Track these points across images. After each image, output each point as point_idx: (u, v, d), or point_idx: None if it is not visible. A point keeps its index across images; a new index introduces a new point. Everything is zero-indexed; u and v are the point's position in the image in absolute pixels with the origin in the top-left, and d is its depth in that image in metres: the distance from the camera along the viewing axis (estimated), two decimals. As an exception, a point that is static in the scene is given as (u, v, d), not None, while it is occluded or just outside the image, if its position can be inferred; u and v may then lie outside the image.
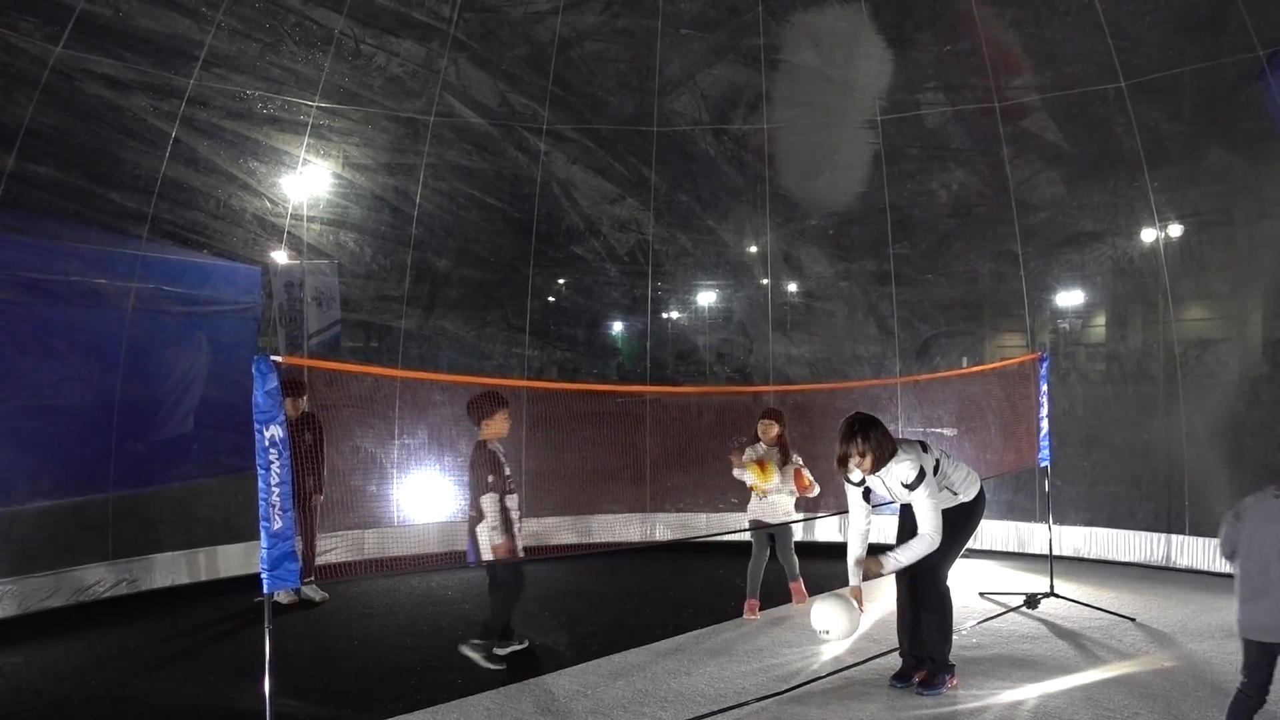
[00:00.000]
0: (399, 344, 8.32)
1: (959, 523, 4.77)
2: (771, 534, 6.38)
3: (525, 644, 5.50)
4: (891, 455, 4.58)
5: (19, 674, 5.21)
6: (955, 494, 4.79)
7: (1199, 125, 7.32)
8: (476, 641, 5.21)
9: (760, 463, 6.16)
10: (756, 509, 6.36)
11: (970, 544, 7.97)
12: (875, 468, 4.58)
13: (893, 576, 4.88)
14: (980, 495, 4.90)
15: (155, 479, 6.99)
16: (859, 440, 4.53)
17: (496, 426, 5.27)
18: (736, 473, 6.35)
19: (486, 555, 5.11)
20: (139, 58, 6.79)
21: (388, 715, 4.50)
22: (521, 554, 5.27)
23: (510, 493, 5.24)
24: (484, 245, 8.67)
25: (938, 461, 4.72)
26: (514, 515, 5.23)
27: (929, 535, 4.55)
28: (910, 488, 4.58)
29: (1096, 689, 4.72)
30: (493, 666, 5.13)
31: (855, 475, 4.73)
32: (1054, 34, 7.66)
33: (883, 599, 6.36)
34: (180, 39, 6.95)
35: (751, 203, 8.87)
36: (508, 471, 5.25)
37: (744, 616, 6.24)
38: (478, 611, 6.44)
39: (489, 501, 5.09)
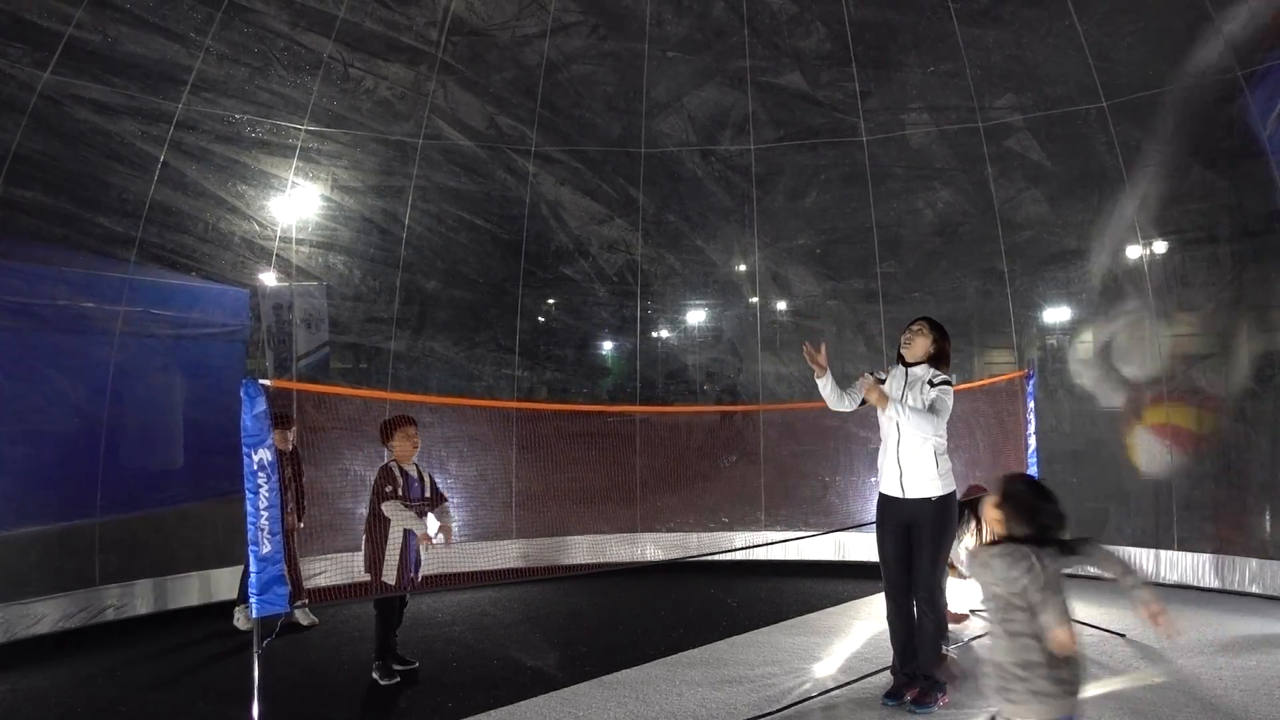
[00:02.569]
0: (388, 366, 8.32)
1: (944, 525, 4.80)
2: None
3: (415, 664, 5.64)
4: (942, 361, 4.90)
5: (5, 702, 5.15)
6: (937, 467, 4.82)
7: (1180, 144, 7.41)
8: (377, 664, 5.44)
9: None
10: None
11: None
12: (926, 349, 4.89)
13: (883, 596, 4.91)
14: (955, 494, 4.92)
15: (142, 504, 6.93)
16: (928, 321, 4.97)
17: (398, 449, 5.40)
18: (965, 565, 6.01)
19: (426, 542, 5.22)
20: (127, 82, 6.81)
21: (378, 740, 4.48)
22: (390, 581, 5.25)
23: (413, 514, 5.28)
24: (473, 266, 8.69)
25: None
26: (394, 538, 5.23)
27: (935, 419, 4.70)
28: (933, 385, 4.77)
29: (1087, 705, 4.71)
30: (388, 681, 5.36)
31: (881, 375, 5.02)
32: (1036, 55, 7.77)
33: (874, 618, 6.36)
34: (169, 64, 6.98)
35: (739, 222, 8.93)
36: (400, 491, 5.30)
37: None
38: (469, 634, 6.41)
39: (390, 507, 5.17)
